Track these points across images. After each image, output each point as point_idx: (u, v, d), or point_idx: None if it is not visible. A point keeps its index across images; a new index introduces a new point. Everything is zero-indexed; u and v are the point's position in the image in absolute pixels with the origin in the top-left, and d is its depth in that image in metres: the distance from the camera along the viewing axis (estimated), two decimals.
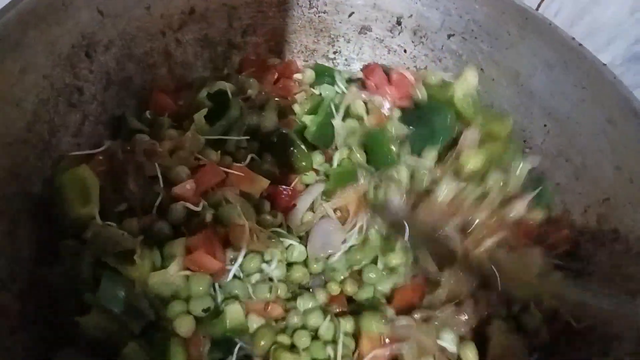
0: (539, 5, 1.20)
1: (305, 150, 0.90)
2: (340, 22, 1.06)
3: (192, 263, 0.71)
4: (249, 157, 0.85)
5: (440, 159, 0.92)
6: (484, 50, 0.97)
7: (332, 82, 1.02)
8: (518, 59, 0.93)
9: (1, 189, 0.66)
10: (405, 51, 1.06)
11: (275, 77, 1.01)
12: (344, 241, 0.85)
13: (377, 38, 1.06)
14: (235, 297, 0.75)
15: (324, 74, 1.04)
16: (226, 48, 1.01)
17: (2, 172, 0.67)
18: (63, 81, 0.77)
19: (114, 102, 0.88)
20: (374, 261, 0.86)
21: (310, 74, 1.03)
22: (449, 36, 1.00)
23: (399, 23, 1.03)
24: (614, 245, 0.79)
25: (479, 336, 0.79)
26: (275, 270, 0.78)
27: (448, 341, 0.76)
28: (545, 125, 0.92)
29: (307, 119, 0.95)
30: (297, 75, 1.02)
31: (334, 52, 1.10)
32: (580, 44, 0.85)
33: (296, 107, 0.97)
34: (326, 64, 1.11)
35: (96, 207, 0.72)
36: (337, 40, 1.07)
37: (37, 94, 0.72)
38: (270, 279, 0.78)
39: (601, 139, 0.83)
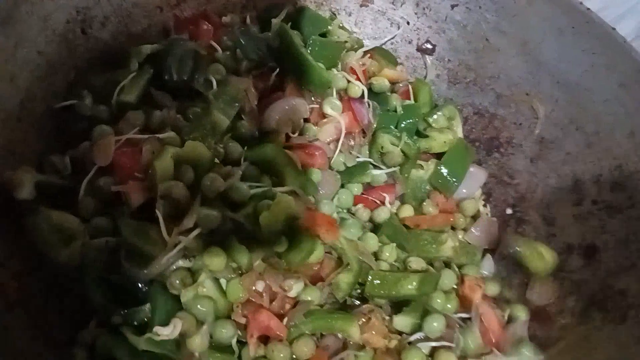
0: None
1: None
2: None
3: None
4: None
5: None
6: (490, 20, 0.94)
7: None
8: (526, 26, 0.90)
9: None
10: (408, 23, 1.03)
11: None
12: None
13: (379, 10, 1.03)
14: None
15: None
16: None
17: None
18: (59, 58, 0.76)
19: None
20: None
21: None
22: (453, 6, 0.97)
23: None
24: (630, 211, 0.76)
25: None
26: None
27: None
28: (554, 94, 0.89)
29: None
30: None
31: None
32: (588, 9, 0.82)
33: None
34: None
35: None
36: (339, 14, 1.04)
37: (31, 71, 0.71)
38: None
39: (614, 104, 0.81)
